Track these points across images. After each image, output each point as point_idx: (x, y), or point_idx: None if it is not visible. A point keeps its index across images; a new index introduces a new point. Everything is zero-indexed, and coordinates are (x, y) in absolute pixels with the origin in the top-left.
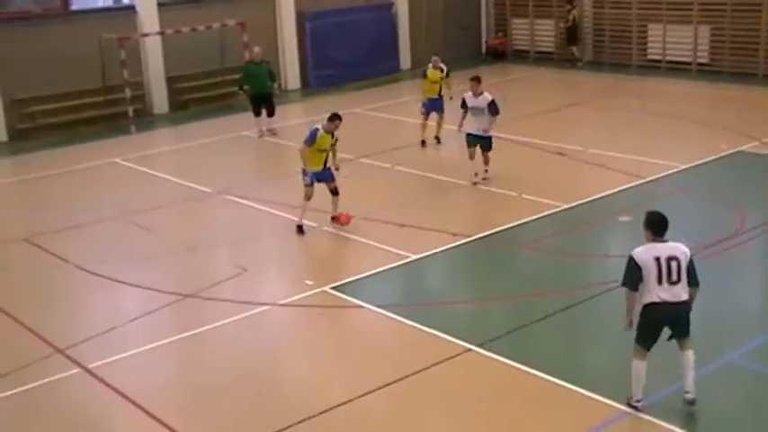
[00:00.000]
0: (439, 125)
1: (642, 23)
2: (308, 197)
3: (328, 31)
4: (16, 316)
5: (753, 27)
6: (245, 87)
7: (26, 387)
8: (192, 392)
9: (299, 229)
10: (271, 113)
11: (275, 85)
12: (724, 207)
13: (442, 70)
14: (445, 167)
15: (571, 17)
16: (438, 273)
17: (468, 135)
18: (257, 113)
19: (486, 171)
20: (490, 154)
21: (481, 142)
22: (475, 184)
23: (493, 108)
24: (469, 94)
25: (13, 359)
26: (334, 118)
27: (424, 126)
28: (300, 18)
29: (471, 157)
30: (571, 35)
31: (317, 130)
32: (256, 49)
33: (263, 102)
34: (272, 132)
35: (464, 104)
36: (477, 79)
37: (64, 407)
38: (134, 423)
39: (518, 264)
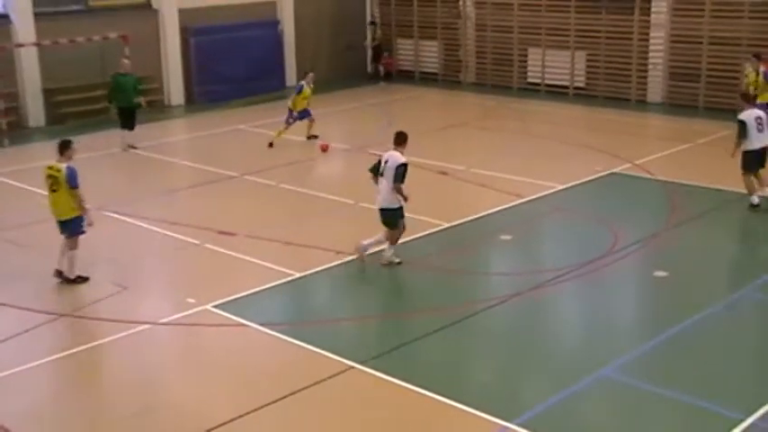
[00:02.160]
0: (310, 125)
1: (523, 47)
2: (77, 245)
3: (214, 46)
4: None
5: (625, 54)
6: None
7: None
8: (66, 416)
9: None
10: (131, 127)
11: (140, 98)
12: (599, 226)
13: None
14: (330, 186)
15: (376, 36)
16: (322, 290)
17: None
18: (124, 126)
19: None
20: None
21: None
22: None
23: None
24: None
25: None
26: (66, 148)
27: (282, 132)
28: (185, 33)
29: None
30: (376, 53)
31: (71, 167)
32: (125, 61)
33: (129, 115)
34: (133, 147)
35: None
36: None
37: None
38: None
39: (402, 281)
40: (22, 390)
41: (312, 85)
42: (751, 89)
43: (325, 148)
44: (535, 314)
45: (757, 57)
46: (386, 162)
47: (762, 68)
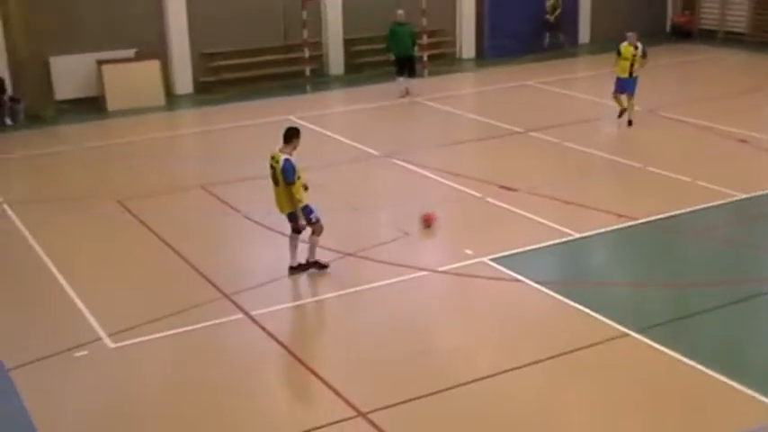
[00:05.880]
0: (630, 107)
1: None
2: (321, 231)
3: (506, 2)
4: (189, 259)
5: None
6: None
7: (192, 327)
8: (344, 349)
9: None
10: (411, 74)
11: (415, 48)
12: None
13: (636, 48)
14: (617, 147)
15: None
16: (600, 253)
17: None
18: (399, 73)
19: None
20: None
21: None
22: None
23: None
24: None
25: (184, 300)
26: (292, 137)
27: (617, 99)
28: None
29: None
30: (553, 25)
31: (289, 160)
32: (399, 12)
33: (406, 63)
34: (409, 93)
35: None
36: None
37: (224, 349)
38: (287, 371)
39: (685, 251)
40: (308, 320)
41: (638, 45)
42: None
43: (428, 221)
44: None
45: None
46: None
47: None
